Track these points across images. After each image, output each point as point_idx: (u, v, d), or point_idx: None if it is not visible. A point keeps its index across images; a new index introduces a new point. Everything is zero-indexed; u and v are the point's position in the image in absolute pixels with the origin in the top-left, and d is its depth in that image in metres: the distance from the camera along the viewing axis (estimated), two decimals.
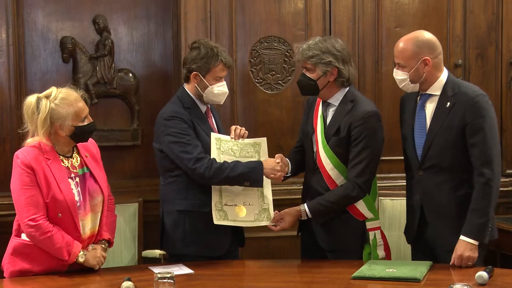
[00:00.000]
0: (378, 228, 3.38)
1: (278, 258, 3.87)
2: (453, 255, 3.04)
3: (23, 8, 4.17)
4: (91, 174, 3.10)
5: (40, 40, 4.24)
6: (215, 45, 3.38)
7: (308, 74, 3.29)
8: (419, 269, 2.96)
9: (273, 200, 3.36)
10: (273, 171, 3.29)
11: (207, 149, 3.29)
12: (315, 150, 3.34)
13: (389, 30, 4.24)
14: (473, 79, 4.23)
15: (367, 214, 3.33)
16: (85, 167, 3.10)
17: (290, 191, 3.78)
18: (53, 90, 2.99)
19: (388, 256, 3.39)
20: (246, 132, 3.39)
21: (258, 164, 3.27)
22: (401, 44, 3.16)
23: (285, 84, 4.18)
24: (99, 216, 3.11)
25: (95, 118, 4.09)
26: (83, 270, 3.05)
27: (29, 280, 2.96)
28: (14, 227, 3.07)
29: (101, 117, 4.30)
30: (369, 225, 3.34)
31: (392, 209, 3.84)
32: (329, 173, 3.28)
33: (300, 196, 3.51)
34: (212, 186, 3.26)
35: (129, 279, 2.73)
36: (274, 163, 3.30)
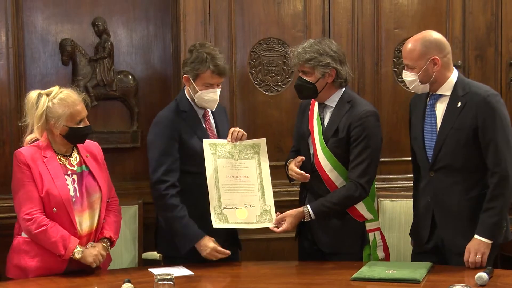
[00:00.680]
0: (378, 229, 3.38)
1: (277, 260, 3.86)
2: (465, 253, 3.03)
3: (23, 11, 4.17)
4: (90, 173, 3.14)
5: (40, 43, 4.24)
6: (210, 51, 3.29)
7: (305, 78, 3.28)
8: (419, 270, 2.96)
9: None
10: (211, 254, 3.20)
11: (196, 153, 3.29)
12: (311, 152, 3.34)
13: (388, 32, 4.24)
14: (472, 80, 4.22)
15: (367, 215, 3.33)
16: (84, 166, 3.15)
17: (290, 192, 3.77)
18: (55, 89, 3.08)
19: (387, 257, 3.40)
20: (245, 134, 3.37)
21: (195, 237, 3.21)
22: (409, 45, 3.14)
23: (285, 86, 4.19)
24: (98, 214, 3.14)
25: (95, 120, 4.15)
26: (83, 271, 3.06)
27: (29, 282, 2.97)
28: (16, 226, 3.13)
29: (100, 119, 4.30)
30: (368, 226, 3.34)
31: (392, 211, 3.84)
32: (328, 175, 3.28)
33: None
34: (209, 188, 3.25)
35: (129, 281, 2.73)
36: (214, 247, 3.20)
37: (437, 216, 3.16)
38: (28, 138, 3.10)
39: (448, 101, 3.13)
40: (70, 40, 4.22)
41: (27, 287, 2.92)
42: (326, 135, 3.29)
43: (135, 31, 4.38)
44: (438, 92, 3.16)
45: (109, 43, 4.28)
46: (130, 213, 3.91)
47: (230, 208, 3.28)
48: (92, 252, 3.06)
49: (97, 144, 3.29)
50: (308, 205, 3.29)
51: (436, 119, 3.16)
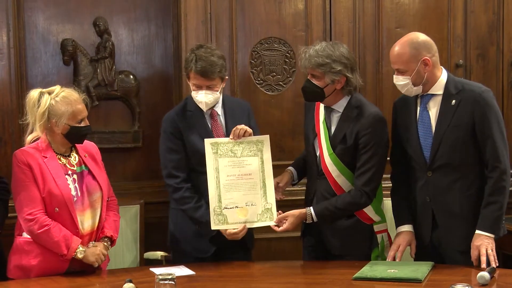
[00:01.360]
0: (385, 230, 3.37)
1: (280, 259, 3.86)
2: (473, 251, 3.02)
3: (24, 11, 4.17)
4: (90, 172, 3.16)
5: (41, 43, 4.24)
6: (200, 53, 3.27)
7: (314, 81, 3.22)
8: (421, 269, 2.95)
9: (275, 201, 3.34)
10: (234, 234, 3.27)
11: (197, 152, 3.31)
12: (318, 155, 3.32)
13: (390, 31, 4.24)
14: (474, 79, 4.21)
15: (375, 217, 3.32)
16: (83, 166, 3.16)
17: (292, 192, 3.76)
18: (56, 88, 3.10)
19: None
20: (249, 130, 3.31)
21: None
22: (396, 48, 3.13)
23: (286, 85, 4.18)
24: (99, 213, 3.15)
25: (96, 120, 4.15)
26: (85, 271, 3.07)
27: (31, 282, 2.97)
28: (16, 226, 3.12)
29: (102, 119, 4.31)
30: (376, 228, 3.33)
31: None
32: (336, 180, 3.27)
33: (302, 197, 3.51)
34: (209, 189, 3.26)
35: (130, 281, 2.73)
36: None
37: (438, 216, 3.16)
38: (30, 137, 3.10)
39: (441, 100, 3.13)
40: (71, 40, 4.22)
41: (28, 287, 2.92)
42: (334, 142, 3.25)
43: (136, 31, 4.38)
44: (430, 92, 3.16)
45: (110, 43, 4.28)
46: (131, 213, 3.92)
47: (230, 208, 3.27)
48: (94, 252, 3.07)
49: (95, 144, 3.31)
50: (311, 207, 3.28)
51: (430, 119, 3.15)
